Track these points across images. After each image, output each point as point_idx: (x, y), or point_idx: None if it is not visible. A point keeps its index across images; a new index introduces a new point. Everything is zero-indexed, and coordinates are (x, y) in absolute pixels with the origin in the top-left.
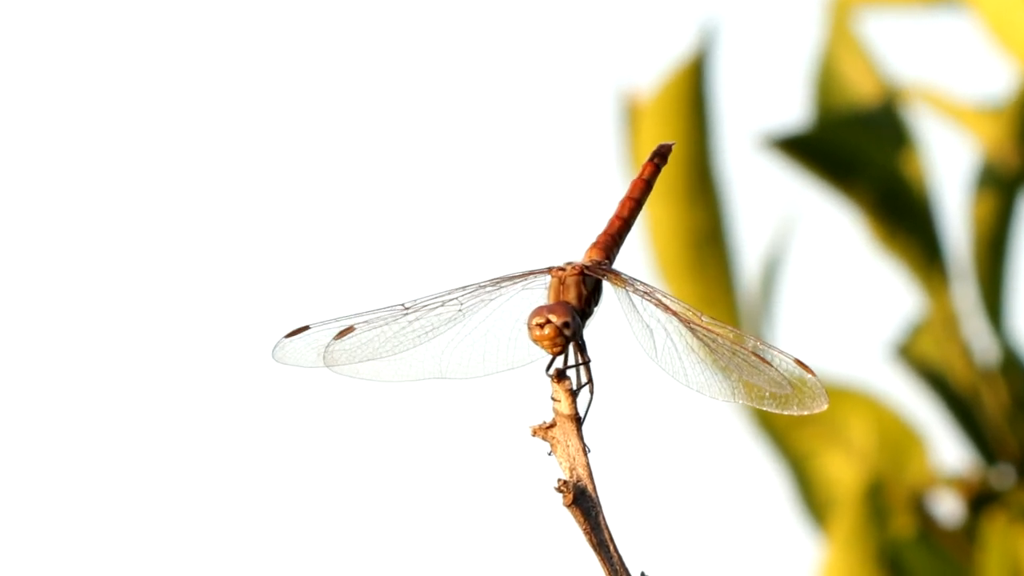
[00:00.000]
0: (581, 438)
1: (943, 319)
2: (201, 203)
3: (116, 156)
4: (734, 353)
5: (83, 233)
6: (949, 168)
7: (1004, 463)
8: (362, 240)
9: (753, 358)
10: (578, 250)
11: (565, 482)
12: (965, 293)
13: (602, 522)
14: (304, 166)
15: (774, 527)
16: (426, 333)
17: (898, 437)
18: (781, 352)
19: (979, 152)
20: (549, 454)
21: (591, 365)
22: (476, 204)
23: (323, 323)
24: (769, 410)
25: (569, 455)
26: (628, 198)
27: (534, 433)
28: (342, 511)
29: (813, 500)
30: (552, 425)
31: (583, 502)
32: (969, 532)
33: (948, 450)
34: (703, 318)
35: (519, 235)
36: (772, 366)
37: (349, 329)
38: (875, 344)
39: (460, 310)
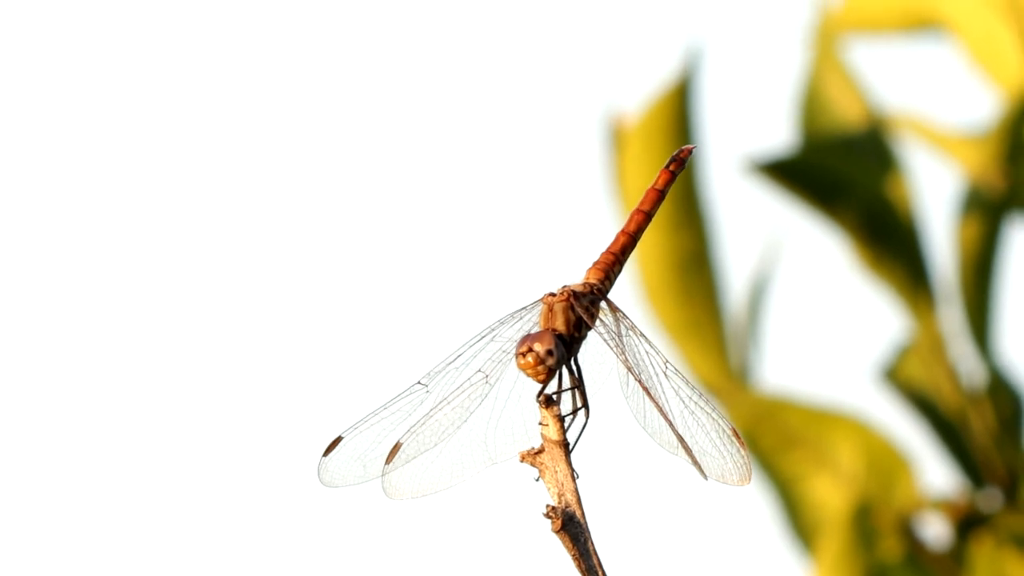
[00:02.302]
0: (570, 464)
1: (930, 342)
2: (178, 206)
3: (114, 157)
4: (685, 406)
5: (66, 233)
6: (934, 192)
7: (991, 486)
8: (343, 264)
9: (704, 418)
10: (563, 277)
11: (554, 508)
12: (951, 316)
13: (591, 548)
14: (281, 196)
15: (762, 551)
16: (460, 417)
17: (885, 460)
18: (721, 418)
19: (964, 177)
20: (537, 480)
21: (586, 389)
22: (458, 230)
23: (354, 429)
24: (697, 471)
25: (558, 481)
26: (637, 211)
27: (522, 459)
28: (338, 519)
29: (801, 524)
30: (540, 451)
31: (572, 528)
32: (957, 555)
33: (935, 473)
34: (669, 369)
35: (503, 261)
36: (719, 424)
37: (396, 448)
38: (862, 367)
39: (486, 380)
